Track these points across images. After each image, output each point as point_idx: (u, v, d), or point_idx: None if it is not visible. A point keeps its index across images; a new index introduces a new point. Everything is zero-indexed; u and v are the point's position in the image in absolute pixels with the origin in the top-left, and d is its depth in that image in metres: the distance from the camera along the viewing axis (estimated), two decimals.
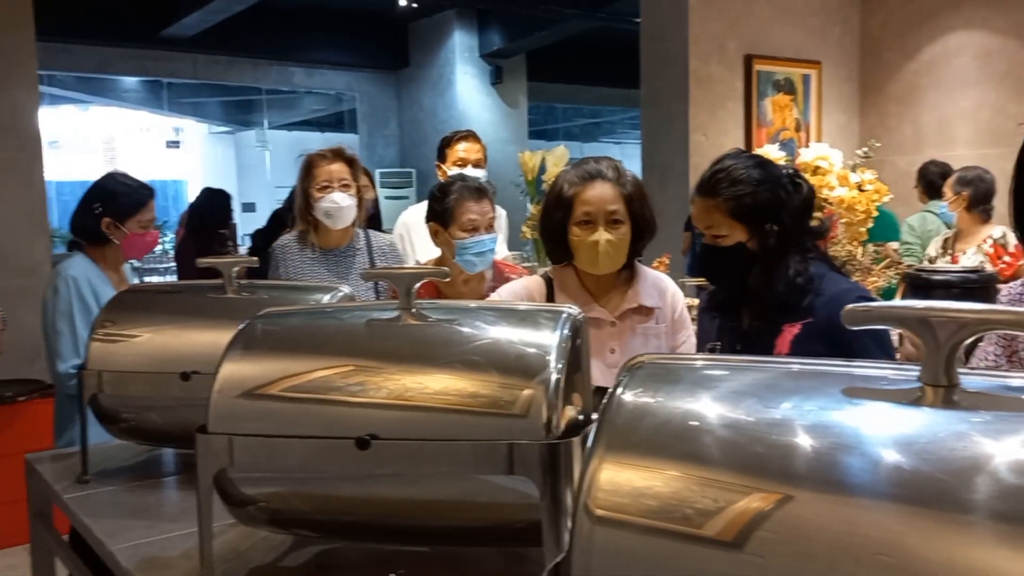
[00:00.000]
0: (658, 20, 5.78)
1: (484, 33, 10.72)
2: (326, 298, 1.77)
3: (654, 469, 0.69)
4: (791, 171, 1.86)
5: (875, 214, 2.98)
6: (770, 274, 1.74)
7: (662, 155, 5.71)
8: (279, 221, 5.49)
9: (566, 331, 1.21)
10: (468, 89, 10.84)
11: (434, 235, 2.47)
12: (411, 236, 3.34)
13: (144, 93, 13.52)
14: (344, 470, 1.19)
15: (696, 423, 0.70)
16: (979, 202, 4.43)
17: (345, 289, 1.81)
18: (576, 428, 1.18)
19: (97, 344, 1.77)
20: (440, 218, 2.44)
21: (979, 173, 4.52)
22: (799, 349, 1.70)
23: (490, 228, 2.43)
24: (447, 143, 3.61)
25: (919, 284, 2.80)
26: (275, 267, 2.84)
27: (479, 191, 2.44)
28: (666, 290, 2.11)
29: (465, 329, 1.25)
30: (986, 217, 4.44)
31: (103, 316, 1.82)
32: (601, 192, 1.97)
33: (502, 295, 2.08)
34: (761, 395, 0.70)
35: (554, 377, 1.14)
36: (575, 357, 1.24)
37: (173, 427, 1.78)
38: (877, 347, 1.66)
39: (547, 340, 1.19)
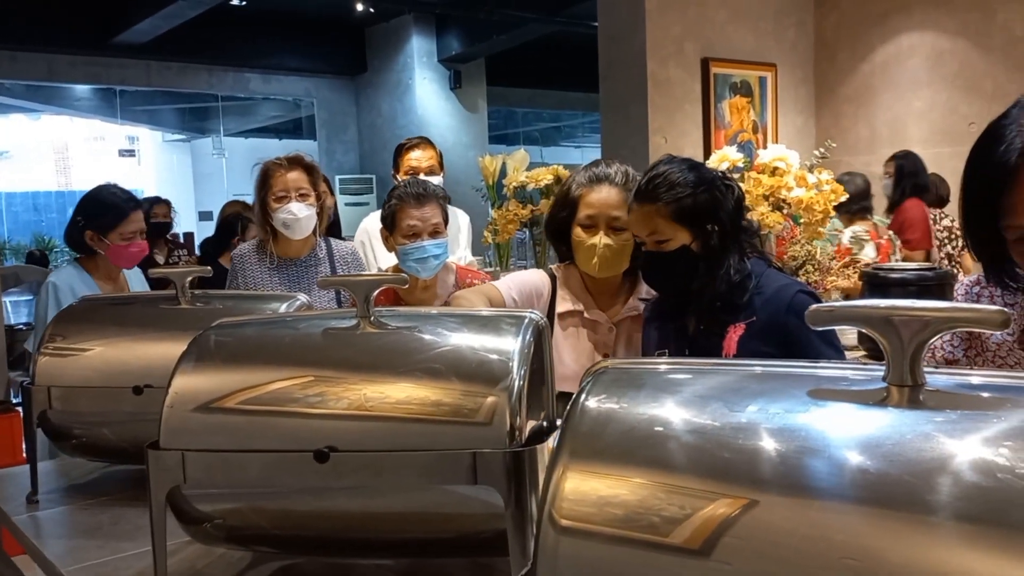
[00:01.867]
0: (616, 23, 5.80)
1: (442, 38, 10.69)
2: (282, 307, 1.73)
3: (620, 477, 0.67)
4: (720, 173, 1.88)
5: (833, 214, 3.01)
6: (714, 274, 1.74)
7: (622, 158, 5.71)
8: (228, 229, 5.40)
9: (528, 337, 1.19)
10: (427, 94, 10.80)
11: (384, 241, 2.44)
12: (372, 243, 3.31)
13: (96, 101, 13.28)
14: (303, 484, 1.16)
15: (661, 429, 0.68)
16: (850, 203, 4.75)
17: (302, 298, 1.77)
18: (540, 435, 1.16)
19: (45, 359, 1.72)
20: (386, 224, 2.41)
21: (852, 178, 4.89)
22: (745, 349, 1.70)
23: (436, 234, 2.36)
24: (399, 151, 3.58)
25: (876, 283, 2.84)
26: (233, 277, 2.78)
27: (421, 196, 2.37)
28: None
29: (425, 336, 1.22)
30: (858, 217, 4.80)
31: (51, 329, 1.76)
32: (606, 196, 1.95)
33: (511, 284, 2.04)
34: (726, 399, 0.68)
35: (517, 383, 1.12)
36: (538, 363, 1.22)
37: (126, 443, 1.73)
38: (823, 343, 1.67)
39: (509, 346, 1.17)
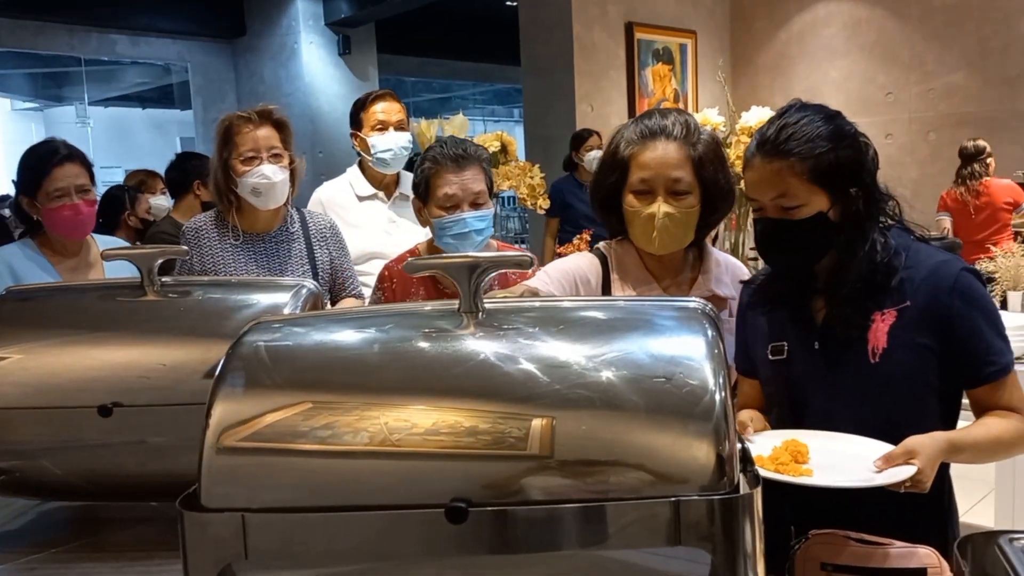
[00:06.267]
0: None
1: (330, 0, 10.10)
2: (288, 297, 1.36)
3: None
4: (855, 127, 1.54)
5: None
6: (854, 249, 1.47)
7: (546, 126, 5.45)
8: (116, 203, 4.87)
9: (711, 331, 0.89)
10: (314, 60, 10.19)
11: (417, 213, 2.04)
12: None
13: None
14: (424, 551, 0.82)
15: None
16: None
17: (309, 284, 1.41)
18: (744, 467, 0.87)
19: None
20: (418, 192, 2.03)
21: None
22: (900, 341, 1.43)
23: (478, 204, 1.98)
24: (360, 106, 3.11)
25: None
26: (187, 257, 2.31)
27: (460, 158, 1.98)
28: (741, 276, 1.77)
29: (567, 339, 0.90)
30: None
31: None
32: (663, 154, 1.62)
33: (549, 277, 1.68)
34: None
35: (719, 400, 0.83)
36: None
37: (79, 478, 1.34)
38: (989, 327, 1.42)
39: (695, 348, 0.87)
